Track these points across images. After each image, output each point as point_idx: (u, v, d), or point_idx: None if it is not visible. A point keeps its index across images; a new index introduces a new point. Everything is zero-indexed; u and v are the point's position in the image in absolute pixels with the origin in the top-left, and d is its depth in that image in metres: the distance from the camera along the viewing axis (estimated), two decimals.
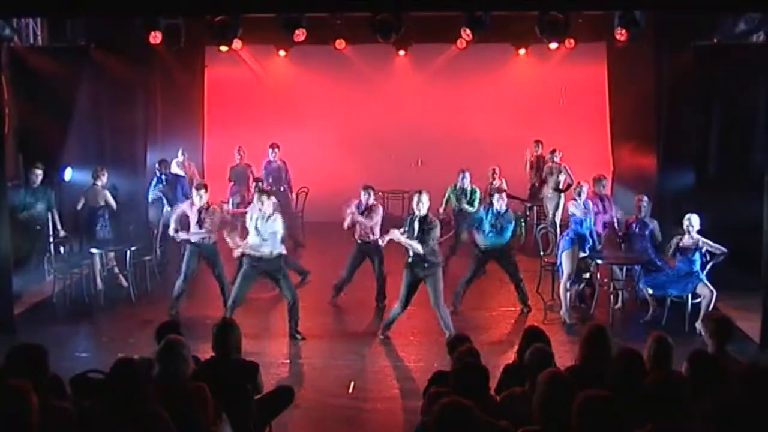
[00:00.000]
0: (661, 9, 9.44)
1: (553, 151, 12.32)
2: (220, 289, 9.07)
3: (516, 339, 5.39)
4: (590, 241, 8.88)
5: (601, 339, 4.82)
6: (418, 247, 7.88)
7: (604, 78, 12.98)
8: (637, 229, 9.14)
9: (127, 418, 3.81)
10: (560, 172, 12.14)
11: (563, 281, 8.80)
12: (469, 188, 11.03)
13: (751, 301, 8.40)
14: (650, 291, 8.74)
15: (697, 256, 8.29)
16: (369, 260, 9.46)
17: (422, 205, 7.98)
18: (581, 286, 9.08)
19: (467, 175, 11.02)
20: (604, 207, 9.82)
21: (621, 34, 10.10)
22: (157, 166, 11.34)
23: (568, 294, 8.83)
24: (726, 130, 10.34)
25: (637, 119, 12.20)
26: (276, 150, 12.40)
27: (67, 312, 9.26)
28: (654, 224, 9.16)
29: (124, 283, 9.98)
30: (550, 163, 12.43)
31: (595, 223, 9.18)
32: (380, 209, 9.42)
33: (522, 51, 13.12)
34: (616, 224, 9.73)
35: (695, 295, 8.33)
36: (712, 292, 8.20)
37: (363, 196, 9.36)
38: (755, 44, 10.36)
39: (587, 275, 8.94)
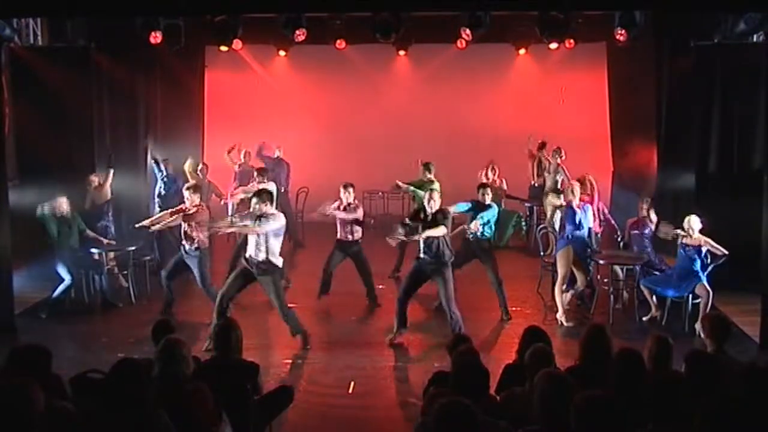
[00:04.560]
0: (661, 9, 9.45)
1: (557, 150, 12.25)
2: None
3: (516, 339, 5.38)
4: (589, 244, 8.86)
5: (601, 339, 4.83)
6: (436, 232, 7.67)
7: (604, 78, 12.97)
8: (637, 230, 9.14)
9: (127, 419, 3.80)
10: (558, 172, 12.12)
11: (558, 283, 8.75)
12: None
13: (751, 301, 8.41)
14: (650, 291, 8.73)
15: (697, 255, 8.28)
16: (351, 261, 9.41)
17: (434, 203, 7.91)
18: (578, 290, 9.03)
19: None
20: (593, 201, 9.82)
21: (621, 34, 10.11)
22: (157, 164, 11.32)
23: (564, 296, 8.77)
24: (726, 130, 10.34)
25: (637, 119, 12.21)
26: (280, 150, 12.49)
27: (67, 312, 9.26)
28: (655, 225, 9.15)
29: (124, 283, 9.97)
30: (551, 162, 12.39)
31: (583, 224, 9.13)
32: (360, 209, 9.26)
33: (522, 51, 13.09)
34: (605, 212, 9.73)
35: (695, 296, 8.30)
36: (709, 292, 8.17)
37: (343, 195, 9.14)
38: (755, 44, 10.35)
39: (579, 279, 8.88)
